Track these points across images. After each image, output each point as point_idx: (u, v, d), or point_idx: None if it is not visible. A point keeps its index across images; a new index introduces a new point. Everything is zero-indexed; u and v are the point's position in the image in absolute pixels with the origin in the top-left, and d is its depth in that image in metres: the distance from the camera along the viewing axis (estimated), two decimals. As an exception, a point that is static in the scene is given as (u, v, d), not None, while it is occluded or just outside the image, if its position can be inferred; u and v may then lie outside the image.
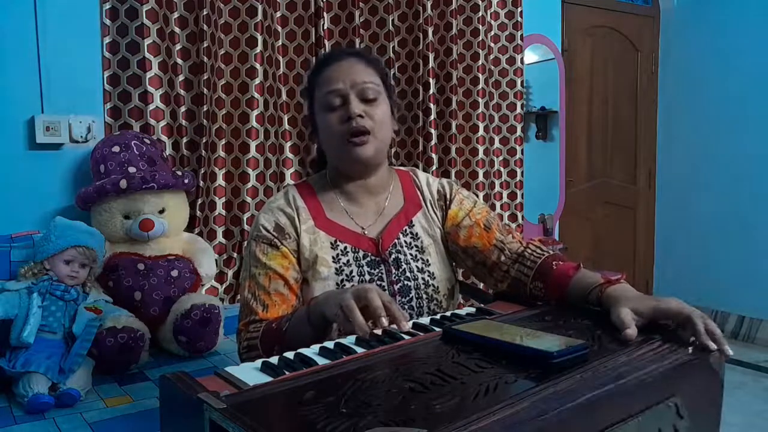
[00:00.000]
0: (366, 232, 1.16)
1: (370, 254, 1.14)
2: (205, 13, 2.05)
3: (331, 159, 1.19)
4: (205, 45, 2.06)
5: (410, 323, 0.92)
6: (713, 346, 0.80)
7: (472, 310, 1.02)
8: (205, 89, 2.07)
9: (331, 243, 1.13)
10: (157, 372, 1.56)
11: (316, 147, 1.28)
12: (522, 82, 2.88)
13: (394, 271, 1.14)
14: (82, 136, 1.94)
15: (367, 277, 1.12)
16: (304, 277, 1.14)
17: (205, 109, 2.07)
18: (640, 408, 0.69)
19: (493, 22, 2.82)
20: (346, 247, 1.13)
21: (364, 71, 1.12)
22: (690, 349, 0.80)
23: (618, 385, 0.68)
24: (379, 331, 0.87)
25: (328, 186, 1.20)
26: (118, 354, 1.50)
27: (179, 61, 2.06)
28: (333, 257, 1.12)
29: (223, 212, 2.18)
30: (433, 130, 2.57)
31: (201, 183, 2.10)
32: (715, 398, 0.83)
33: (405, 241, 1.17)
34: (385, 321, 0.86)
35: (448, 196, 1.23)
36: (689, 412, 0.74)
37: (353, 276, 1.11)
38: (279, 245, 1.12)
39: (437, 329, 0.87)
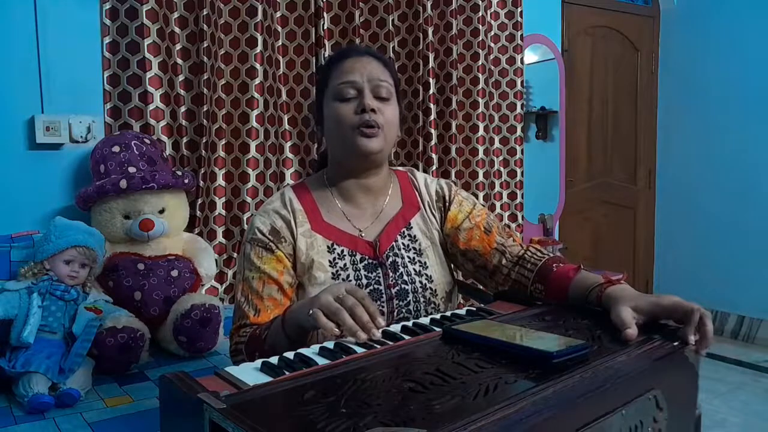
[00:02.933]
0: (363, 235, 1.15)
1: (367, 257, 1.13)
2: (205, 13, 2.05)
3: (335, 151, 1.16)
4: (205, 45, 2.06)
5: (410, 323, 0.92)
6: (691, 340, 0.81)
7: (473, 309, 1.02)
8: (205, 89, 2.07)
9: (328, 246, 1.12)
10: (157, 372, 1.56)
11: (316, 146, 1.27)
12: (522, 82, 2.88)
13: (391, 274, 1.12)
14: (82, 136, 1.94)
15: (364, 281, 1.11)
16: (300, 281, 1.13)
17: (205, 109, 2.07)
18: (623, 401, 0.70)
19: (493, 22, 2.82)
20: (343, 251, 1.12)
21: (382, 71, 1.12)
22: (676, 343, 0.81)
23: (615, 382, 0.69)
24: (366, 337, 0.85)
25: (325, 187, 1.19)
26: (118, 354, 1.50)
27: (179, 61, 2.06)
28: (330, 261, 1.11)
29: (223, 212, 2.18)
30: (433, 130, 2.56)
31: (201, 183, 2.10)
32: (691, 391, 0.85)
33: (403, 244, 1.16)
34: (362, 335, 0.83)
35: (447, 198, 1.22)
36: (667, 404, 0.75)
37: (350, 280, 1.10)
38: (274, 249, 1.11)
39: (437, 329, 0.87)
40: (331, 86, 1.12)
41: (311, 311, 0.87)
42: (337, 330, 0.84)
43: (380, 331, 0.88)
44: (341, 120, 1.09)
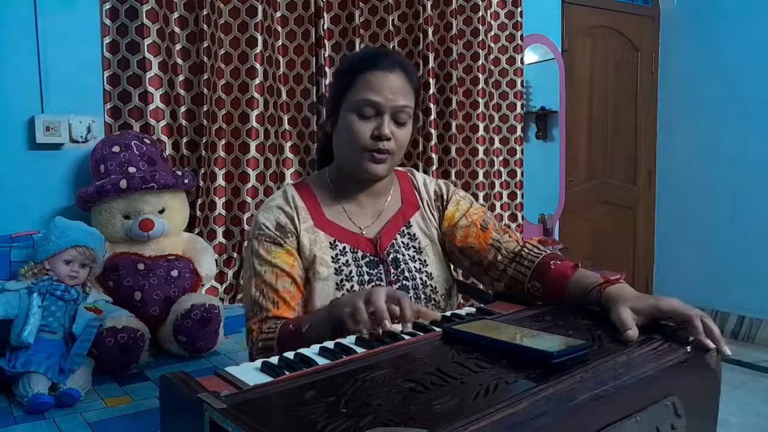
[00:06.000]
0: (364, 233, 1.16)
1: (368, 254, 1.14)
2: (205, 13, 2.05)
3: (343, 160, 1.16)
4: (205, 45, 2.06)
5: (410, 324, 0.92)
6: (711, 345, 0.81)
7: (472, 310, 1.02)
8: (205, 89, 2.07)
9: (330, 243, 1.13)
10: (157, 372, 1.56)
11: (321, 139, 1.26)
12: (522, 82, 2.88)
13: (392, 271, 1.14)
14: (82, 136, 1.94)
15: (366, 278, 1.11)
16: (306, 276, 1.14)
17: (205, 109, 2.07)
18: (638, 407, 0.69)
19: (493, 22, 2.82)
20: (345, 247, 1.13)
21: (405, 92, 1.10)
22: (688, 348, 0.80)
23: (617, 384, 0.68)
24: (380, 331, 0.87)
25: (327, 186, 1.19)
26: (118, 354, 1.50)
27: (179, 61, 2.06)
28: (332, 257, 1.12)
29: (223, 212, 2.18)
30: (433, 130, 2.57)
31: (201, 183, 2.10)
32: (713, 397, 0.83)
33: (403, 242, 1.17)
34: (388, 324, 0.85)
35: (444, 197, 1.23)
36: (687, 411, 0.74)
37: (352, 276, 1.11)
38: (282, 243, 1.11)
39: (437, 329, 0.86)
40: (353, 96, 1.09)
41: (352, 309, 0.89)
42: (370, 327, 0.85)
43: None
44: (355, 138, 1.09)
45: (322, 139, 1.26)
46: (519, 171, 2.93)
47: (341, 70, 1.18)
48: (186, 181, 1.88)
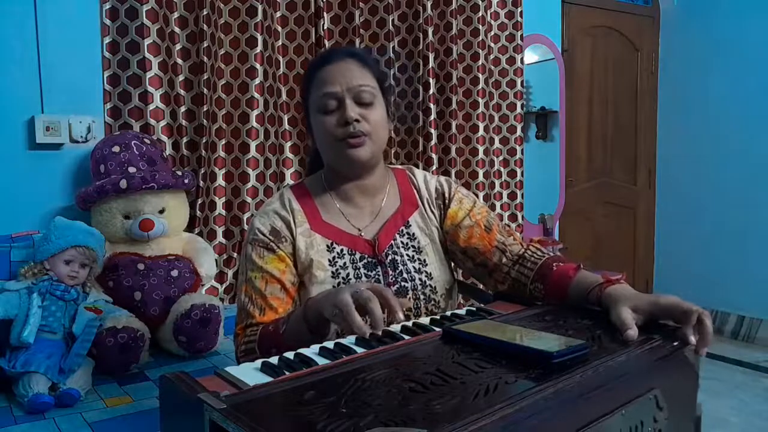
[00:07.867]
0: (362, 234, 1.16)
1: (366, 256, 1.13)
2: (205, 13, 2.05)
3: (327, 160, 1.18)
4: (205, 45, 2.06)
5: (410, 323, 0.92)
6: (692, 340, 0.81)
7: (472, 309, 1.02)
8: (205, 89, 2.07)
9: (328, 246, 1.13)
10: (157, 372, 1.56)
11: (309, 148, 1.28)
12: (522, 82, 2.88)
13: (390, 272, 1.13)
14: (82, 136, 1.94)
15: (364, 280, 1.11)
16: (301, 280, 1.13)
17: (205, 109, 2.07)
18: (625, 400, 0.70)
19: (493, 22, 2.82)
20: (342, 250, 1.13)
21: (361, 74, 1.11)
22: (675, 343, 0.81)
23: (613, 380, 0.69)
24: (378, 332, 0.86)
25: (323, 187, 1.19)
26: (118, 354, 1.50)
27: (179, 61, 2.06)
28: (329, 260, 1.11)
29: (223, 212, 2.18)
30: (433, 130, 2.57)
31: (201, 183, 2.10)
32: (691, 391, 0.85)
33: (402, 242, 1.17)
34: (378, 332, 0.85)
35: (446, 195, 1.22)
36: (667, 404, 0.76)
37: (350, 279, 1.11)
38: (275, 249, 1.12)
39: (437, 329, 0.86)
40: (313, 97, 1.12)
41: (335, 312, 0.88)
42: (366, 329, 0.84)
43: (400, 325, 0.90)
44: (327, 133, 1.10)
45: (311, 152, 1.27)
46: (519, 171, 2.93)
47: (302, 83, 1.21)
48: (186, 181, 1.88)
